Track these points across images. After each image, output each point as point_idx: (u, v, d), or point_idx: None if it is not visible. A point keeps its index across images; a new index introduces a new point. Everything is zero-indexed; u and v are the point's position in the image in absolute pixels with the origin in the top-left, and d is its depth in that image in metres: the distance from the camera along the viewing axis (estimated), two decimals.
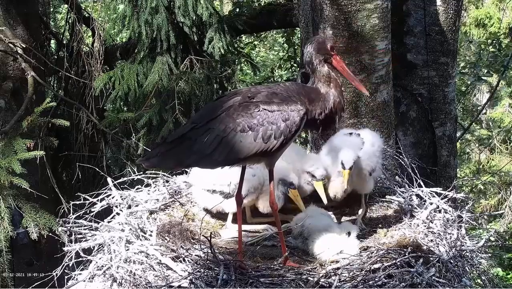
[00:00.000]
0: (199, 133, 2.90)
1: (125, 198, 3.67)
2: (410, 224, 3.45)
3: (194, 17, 5.83)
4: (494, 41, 8.20)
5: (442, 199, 3.66)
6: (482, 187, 11.05)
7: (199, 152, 2.87)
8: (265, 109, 2.92)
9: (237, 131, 2.88)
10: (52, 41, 7.52)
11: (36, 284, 3.52)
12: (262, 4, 7.82)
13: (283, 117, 2.92)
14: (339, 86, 3.09)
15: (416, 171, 3.91)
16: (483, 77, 8.01)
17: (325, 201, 3.51)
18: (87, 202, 3.65)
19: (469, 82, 9.03)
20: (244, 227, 3.40)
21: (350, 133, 3.71)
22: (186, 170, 3.83)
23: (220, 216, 3.62)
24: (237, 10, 7.42)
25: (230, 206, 3.48)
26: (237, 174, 3.28)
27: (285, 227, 3.41)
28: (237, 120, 2.90)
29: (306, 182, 3.57)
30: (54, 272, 3.40)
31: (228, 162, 2.95)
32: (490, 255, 3.43)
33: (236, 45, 6.67)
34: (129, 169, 4.17)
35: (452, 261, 3.07)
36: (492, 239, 3.45)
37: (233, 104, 2.96)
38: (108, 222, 3.47)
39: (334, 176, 3.57)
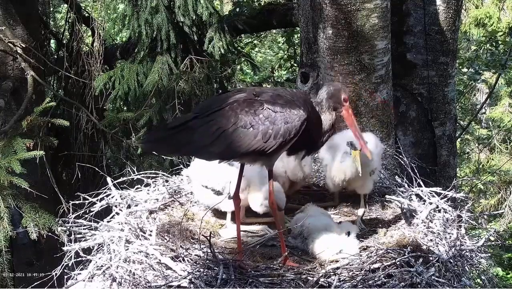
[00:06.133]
0: (200, 124, 2.90)
1: (124, 198, 3.67)
2: (410, 223, 3.45)
3: (194, 17, 5.83)
4: (491, 39, 8.18)
5: (441, 198, 3.66)
6: (482, 187, 11.05)
7: (198, 141, 2.88)
8: (268, 108, 2.92)
9: (238, 126, 2.88)
10: (52, 41, 7.51)
11: (36, 284, 3.52)
12: (262, 4, 7.81)
13: (285, 119, 2.92)
14: (334, 130, 3.16)
15: (416, 171, 3.91)
16: (480, 72, 7.97)
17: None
18: (87, 201, 3.65)
19: (467, 81, 9.01)
20: (243, 227, 3.40)
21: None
22: (185, 162, 3.81)
23: (220, 214, 3.62)
24: (237, 10, 7.40)
25: (228, 206, 3.48)
26: (229, 173, 3.36)
27: (285, 227, 3.40)
28: (240, 116, 2.90)
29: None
30: (54, 271, 3.41)
31: (225, 156, 2.95)
32: (489, 254, 3.43)
33: (236, 45, 6.67)
34: (129, 169, 4.16)
35: (451, 261, 3.07)
36: (491, 238, 3.45)
37: (238, 99, 2.96)
38: (108, 221, 3.47)
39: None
